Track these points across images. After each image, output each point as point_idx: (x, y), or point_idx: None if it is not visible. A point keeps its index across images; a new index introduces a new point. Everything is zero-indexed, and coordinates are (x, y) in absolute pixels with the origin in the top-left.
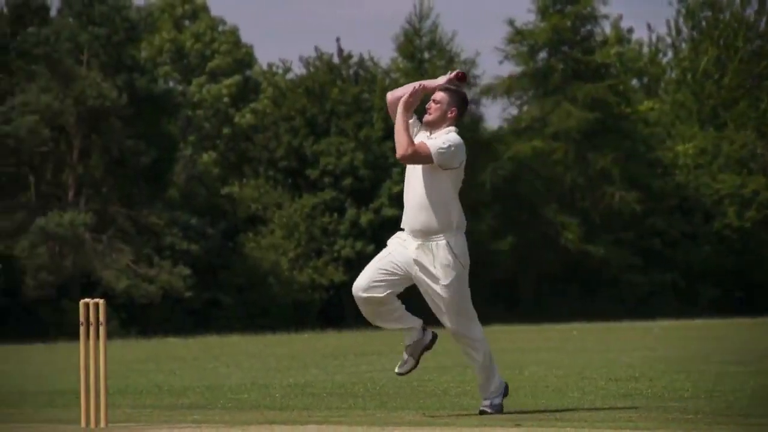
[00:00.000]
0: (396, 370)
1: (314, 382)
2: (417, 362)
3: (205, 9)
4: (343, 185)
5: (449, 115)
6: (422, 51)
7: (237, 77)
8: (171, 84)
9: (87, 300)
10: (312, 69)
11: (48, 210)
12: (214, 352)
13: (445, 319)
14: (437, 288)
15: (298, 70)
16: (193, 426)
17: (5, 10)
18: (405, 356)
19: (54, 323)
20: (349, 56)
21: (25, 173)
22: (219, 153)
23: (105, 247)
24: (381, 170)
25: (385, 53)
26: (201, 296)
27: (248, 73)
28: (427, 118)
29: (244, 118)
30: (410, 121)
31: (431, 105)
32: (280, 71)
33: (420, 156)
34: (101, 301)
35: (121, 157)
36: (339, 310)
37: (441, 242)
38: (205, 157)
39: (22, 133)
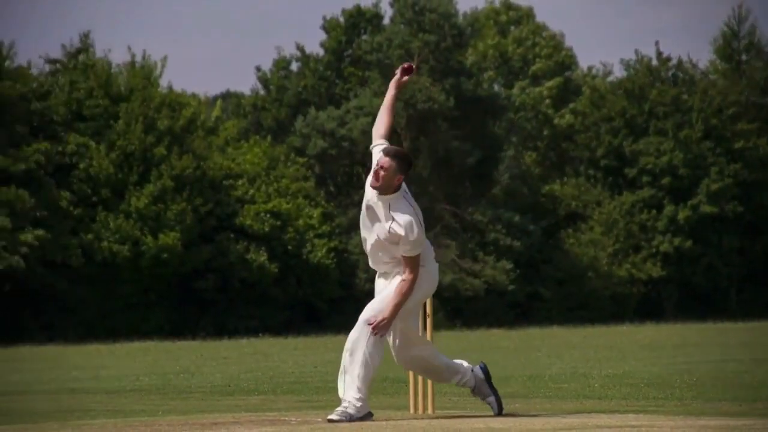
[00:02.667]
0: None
1: (632, 373)
2: (496, 392)
3: (530, 15)
4: (661, 183)
5: (396, 182)
6: (740, 53)
7: (558, 80)
8: (495, 87)
9: None
10: (632, 71)
11: None
12: (535, 343)
13: (410, 348)
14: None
15: (618, 72)
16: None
17: (342, 20)
18: (484, 400)
19: None
20: (668, 59)
21: (358, 172)
22: (540, 153)
23: (432, 243)
24: (700, 169)
25: (703, 56)
26: (523, 289)
27: (568, 74)
28: (374, 183)
29: (564, 119)
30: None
31: (378, 172)
32: (600, 74)
33: (415, 273)
34: None
35: (448, 157)
36: (657, 304)
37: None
38: (527, 156)
39: (356, 135)
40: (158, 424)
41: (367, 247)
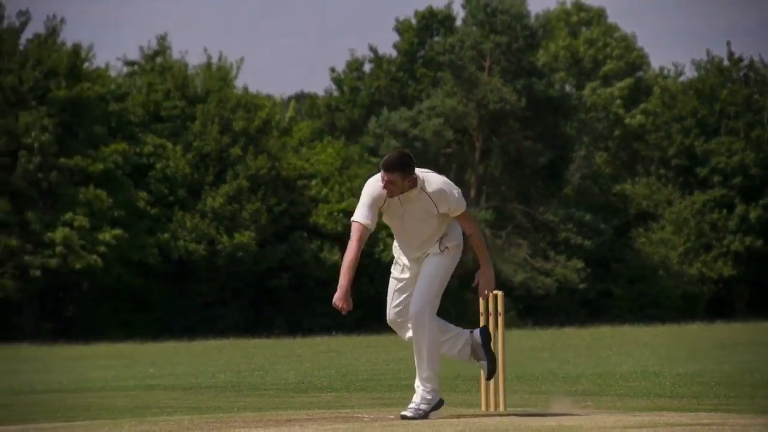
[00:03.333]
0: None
1: (703, 372)
2: (491, 355)
3: (601, 16)
4: (732, 182)
5: (408, 185)
6: None
7: (628, 80)
8: (567, 88)
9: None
10: (703, 72)
11: None
12: (606, 341)
13: (415, 294)
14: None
15: (689, 73)
16: (583, 413)
17: (414, 21)
18: (478, 362)
19: (456, 313)
20: (740, 59)
21: None
22: (611, 153)
23: (504, 242)
24: None
25: None
26: (594, 288)
27: (639, 74)
28: (390, 195)
29: (635, 119)
30: (374, 214)
31: (388, 186)
32: (672, 74)
33: (474, 223)
34: (500, 293)
35: (519, 157)
36: (728, 303)
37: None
38: (598, 156)
39: (429, 136)
40: (233, 421)
41: (405, 236)
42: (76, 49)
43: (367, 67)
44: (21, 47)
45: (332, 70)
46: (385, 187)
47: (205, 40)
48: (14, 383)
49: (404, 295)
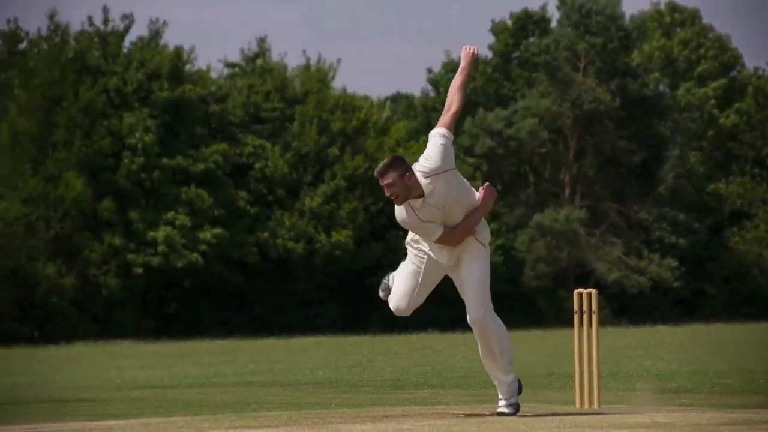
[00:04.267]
0: None
1: None
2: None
3: (695, 16)
4: None
5: (409, 183)
6: None
7: (723, 80)
8: (660, 88)
9: (581, 290)
10: None
11: (545, 206)
12: (700, 339)
13: (471, 302)
14: (463, 272)
15: None
16: (679, 408)
17: (509, 23)
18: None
19: (550, 311)
20: None
21: (525, 172)
22: (704, 152)
23: (598, 241)
24: None
25: None
26: (688, 286)
27: (733, 74)
28: (398, 202)
29: (729, 118)
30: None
31: (390, 191)
32: (766, 74)
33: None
34: (594, 291)
35: (614, 156)
36: None
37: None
38: (692, 156)
39: (523, 136)
40: (330, 417)
41: (439, 233)
42: (178, 51)
43: None
44: (125, 50)
45: (429, 71)
46: (389, 195)
47: (304, 42)
48: (118, 379)
49: (428, 286)
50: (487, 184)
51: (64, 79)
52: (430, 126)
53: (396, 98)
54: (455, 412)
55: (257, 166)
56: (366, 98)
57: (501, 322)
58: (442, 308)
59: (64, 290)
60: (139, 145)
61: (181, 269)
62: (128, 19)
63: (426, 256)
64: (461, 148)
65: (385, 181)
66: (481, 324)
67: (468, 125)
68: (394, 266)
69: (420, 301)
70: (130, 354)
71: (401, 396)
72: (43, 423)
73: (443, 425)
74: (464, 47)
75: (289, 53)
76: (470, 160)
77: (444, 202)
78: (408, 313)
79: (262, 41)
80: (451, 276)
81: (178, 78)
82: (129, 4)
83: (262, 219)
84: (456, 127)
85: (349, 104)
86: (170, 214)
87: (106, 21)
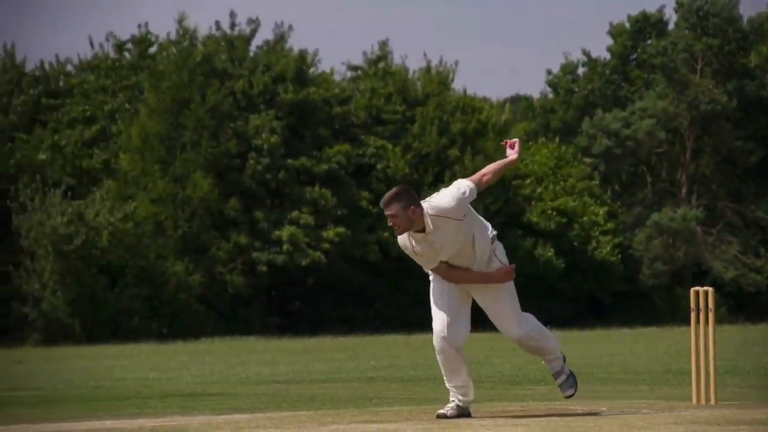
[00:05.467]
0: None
1: None
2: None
3: None
4: None
5: (412, 216)
6: None
7: None
8: None
9: (697, 288)
10: None
11: (662, 206)
12: None
13: (504, 323)
14: (490, 293)
15: None
16: None
17: (627, 25)
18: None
19: (667, 309)
20: None
21: (642, 172)
22: None
23: (714, 240)
24: None
25: None
26: None
27: None
28: (398, 232)
29: None
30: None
31: (393, 222)
32: None
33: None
34: (710, 290)
35: (730, 156)
36: None
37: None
38: None
39: (641, 136)
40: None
41: (434, 265)
42: (303, 54)
43: (580, 70)
44: (251, 53)
45: (548, 72)
46: (391, 225)
47: (424, 44)
48: (243, 374)
49: (462, 314)
50: (513, 265)
51: (192, 82)
52: (549, 127)
53: (515, 99)
54: (573, 408)
55: (379, 166)
56: (485, 100)
57: (535, 322)
58: (561, 305)
59: (192, 287)
60: (265, 146)
61: (304, 267)
62: (255, 23)
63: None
64: (578, 148)
65: (388, 212)
66: (526, 338)
67: (586, 125)
68: (512, 264)
69: (464, 323)
70: (255, 350)
71: (519, 392)
72: (171, 416)
73: (560, 421)
74: (510, 142)
75: (411, 56)
76: (587, 160)
77: (444, 245)
78: (454, 342)
79: (384, 44)
80: (474, 296)
81: (302, 81)
82: (256, 9)
83: (383, 218)
84: (481, 193)
85: (469, 106)
86: (294, 214)
87: (233, 25)
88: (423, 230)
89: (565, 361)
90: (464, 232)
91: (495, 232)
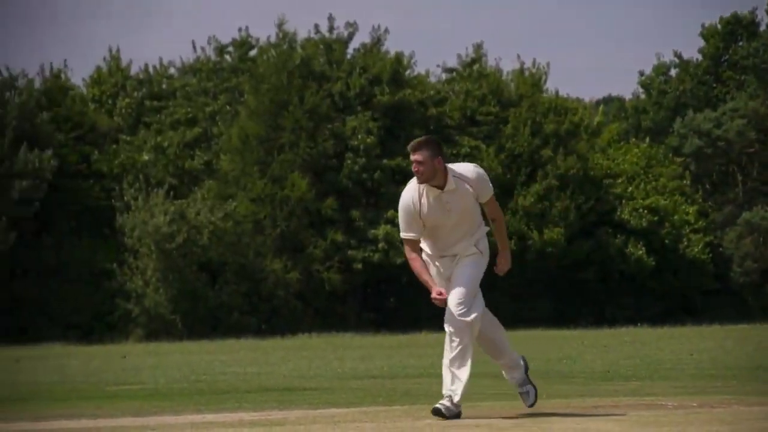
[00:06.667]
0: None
1: None
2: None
3: None
4: None
5: (438, 166)
6: None
7: None
8: None
9: None
10: None
11: (753, 204)
12: None
13: (451, 289)
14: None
15: None
16: None
17: (719, 27)
18: (524, 388)
19: (757, 306)
20: None
21: (733, 171)
22: None
23: None
24: None
25: None
26: None
27: None
28: (420, 179)
29: None
30: (417, 226)
31: (417, 168)
32: None
33: (500, 210)
34: None
35: None
36: None
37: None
38: None
39: (732, 136)
40: (542, 407)
41: (443, 232)
42: (399, 57)
43: (672, 72)
44: (348, 56)
45: (641, 73)
46: (415, 171)
47: (518, 47)
48: (339, 369)
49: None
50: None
51: (291, 84)
52: (641, 127)
53: (607, 101)
54: (664, 403)
55: None
56: (578, 101)
57: (483, 309)
58: (652, 303)
59: (290, 284)
60: (361, 147)
61: (399, 265)
62: (352, 27)
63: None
64: (669, 148)
65: (415, 157)
66: (470, 323)
67: (677, 126)
68: (603, 262)
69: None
70: (350, 345)
71: (610, 387)
72: (269, 410)
73: (651, 416)
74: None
75: (504, 58)
76: (678, 159)
77: (453, 209)
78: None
79: (478, 47)
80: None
81: (398, 83)
82: (353, 13)
83: None
84: (498, 211)
85: (561, 107)
86: (390, 213)
87: (331, 29)
88: (441, 187)
89: (527, 371)
90: (471, 207)
91: (488, 229)
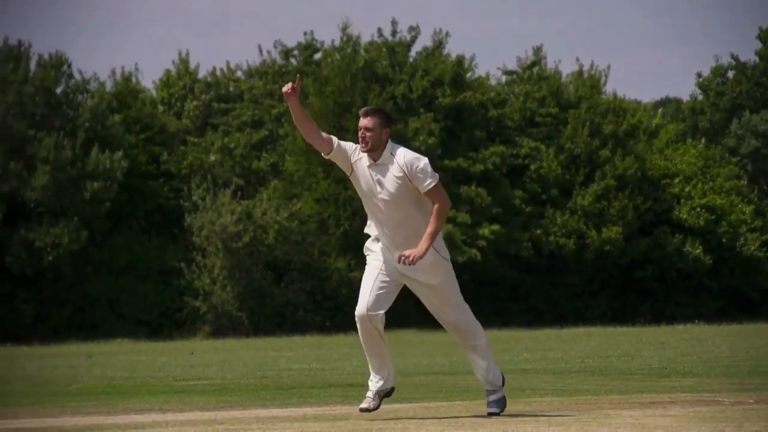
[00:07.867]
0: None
1: None
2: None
3: None
4: None
5: (383, 137)
6: None
7: None
8: None
9: None
10: None
11: None
12: None
13: (446, 311)
14: (431, 286)
15: None
16: None
17: None
18: (371, 396)
19: None
20: None
21: None
22: None
23: None
24: None
25: None
26: None
27: None
28: (364, 148)
29: None
30: (341, 144)
31: (364, 134)
32: None
33: (444, 199)
34: None
35: None
36: None
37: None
38: None
39: None
40: (600, 403)
41: (379, 214)
42: (460, 60)
43: (730, 73)
44: (411, 59)
45: (698, 75)
46: (361, 137)
47: (577, 49)
48: (401, 365)
49: (381, 288)
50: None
51: (355, 86)
52: (698, 128)
53: (665, 102)
54: (720, 399)
55: (532, 167)
56: (636, 102)
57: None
58: (709, 301)
59: (353, 283)
60: (423, 148)
61: (461, 264)
62: (415, 30)
63: (381, 259)
64: (726, 149)
65: (365, 123)
66: (464, 326)
67: (734, 126)
68: (661, 261)
69: (382, 305)
70: (413, 342)
71: (668, 384)
72: (333, 405)
73: (708, 411)
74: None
75: (563, 61)
76: (734, 160)
77: (385, 184)
78: (369, 321)
79: (537, 50)
80: (413, 288)
81: (459, 85)
82: (416, 17)
83: (536, 217)
84: (448, 201)
85: (619, 108)
86: (452, 212)
87: (394, 33)
88: (376, 159)
89: (504, 383)
90: (406, 194)
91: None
